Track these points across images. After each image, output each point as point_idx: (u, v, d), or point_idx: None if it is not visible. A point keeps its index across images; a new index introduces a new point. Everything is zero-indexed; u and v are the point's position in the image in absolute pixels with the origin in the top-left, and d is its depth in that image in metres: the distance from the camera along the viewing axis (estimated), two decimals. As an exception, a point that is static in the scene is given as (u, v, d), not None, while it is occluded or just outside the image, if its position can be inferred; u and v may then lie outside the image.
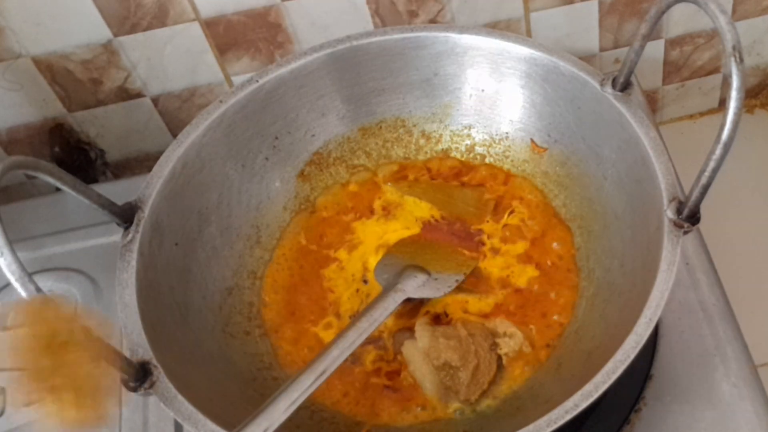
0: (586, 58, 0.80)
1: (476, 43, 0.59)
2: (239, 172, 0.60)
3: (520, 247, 0.59)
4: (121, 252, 0.51)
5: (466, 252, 0.59)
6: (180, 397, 0.45)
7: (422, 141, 0.64)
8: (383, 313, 0.52)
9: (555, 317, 0.55)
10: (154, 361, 0.46)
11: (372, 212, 0.62)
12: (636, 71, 0.54)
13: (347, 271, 0.60)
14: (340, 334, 0.49)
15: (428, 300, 0.56)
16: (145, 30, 0.71)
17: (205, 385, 0.50)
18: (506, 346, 0.54)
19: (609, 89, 0.54)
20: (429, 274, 0.57)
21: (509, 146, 0.63)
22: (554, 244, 0.59)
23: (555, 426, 0.42)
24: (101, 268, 0.68)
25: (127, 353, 0.46)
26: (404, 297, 0.54)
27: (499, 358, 0.54)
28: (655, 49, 0.83)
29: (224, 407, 0.48)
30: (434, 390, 0.53)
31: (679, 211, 0.47)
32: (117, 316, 0.49)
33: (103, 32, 0.71)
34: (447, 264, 0.58)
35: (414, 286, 0.55)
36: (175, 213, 0.55)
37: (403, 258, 0.58)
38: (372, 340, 0.55)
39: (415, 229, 0.61)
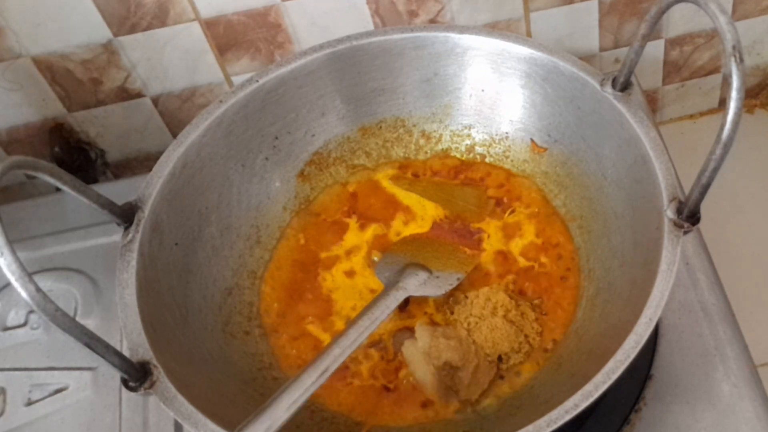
0: (586, 58, 0.80)
1: (476, 43, 0.59)
2: (239, 172, 0.60)
3: (520, 245, 0.59)
4: (121, 252, 0.51)
5: (467, 250, 0.59)
6: (180, 397, 0.45)
7: (422, 141, 0.64)
8: (384, 312, 0.52)
9: (555, 317, 0.55)
10: (154, 361, 0.46)
11: (372, 215, 0.62)
12: (636, 71, 0.54)
13: (348, 271, 0.60)
14: (342, 333, 0.49)
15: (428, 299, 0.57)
16: (145, 30, 0.71)
17: (205, 385, 0.50)
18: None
19: (609, 89, 0.54)
20: (430, 272, 0.57)
21: (509, 146, 0.63)
22: (554, 244, 0.59)
23: (555, 426, 0.42)
24: (101, 268, 0.68)
25: (127, 353, 0.46)
26: (405, 295, 0.54)
27: (500, 357, 0.54)
28: (655, 49, 0.83)
29: (224, 407, 0.48)
30: (434, 390, 0.53)
31: (679, 211, 0.47)
32: (117, 316, 0.49)
33: (103, 32, 0.71)
34: (448, 262, 0.58)
35: (415, 285, 0.55)
36: (175, 213, 0.55)
37: (404, 256, 0.58)
38: (372, 342, 0.55)
39: (419, 229, 0.61)
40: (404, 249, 0.59)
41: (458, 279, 0.57)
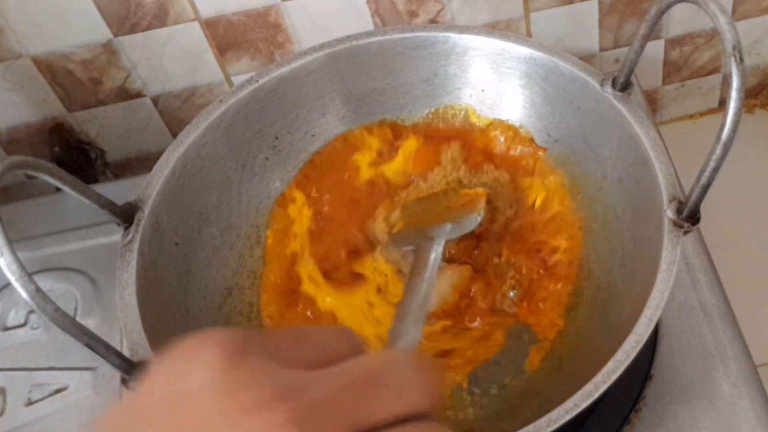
0: (586, 58, 0.80)
1: (476, 43, 0.59)
2: (239, 172, 0.60)
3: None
4: (121, 252, 0.51)
5: (468, 192, 0.59)
6: (180, 397, 0.45)
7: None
8: (434, 265, 0.52)
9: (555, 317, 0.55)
10: (154, 362, 0.46)
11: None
12: (636, 71, 0.54)
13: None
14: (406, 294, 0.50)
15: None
16: (145, 30, 0.71)
17: (205, 385, 0.50)
18: None
19: (609, 89, 0.54)
20: (450, 221, 0.57)
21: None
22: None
23: (555, 426, 0.42)
24: (101, 268, 0.68)
25: (127, 353, 0.46)
26: (442, 242, 0.54)
27: None
28: (655, 49, 0.83)
29: (224, 407, 0.48)
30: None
31: (679, 211, 0.47)
32: (117, 316, 0.49)
33: (103, 32, 0.71)
34: (460, 209, 0.58)
35: (446, 232, 0.55)
36: (175, 213, 0.55)
37: (416, 224, 0.58)
38: None
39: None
40: (413, 217, 0.59)
41: (479, 216, 0.57)
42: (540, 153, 0.61)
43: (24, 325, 0.66)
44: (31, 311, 0.66)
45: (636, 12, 0.78)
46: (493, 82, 0.61)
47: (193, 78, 0.76)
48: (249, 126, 0.60)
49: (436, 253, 0.53)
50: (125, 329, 0.48)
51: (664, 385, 0.57)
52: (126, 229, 0.52)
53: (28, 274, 0.39)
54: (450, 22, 0.75)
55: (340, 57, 0.60)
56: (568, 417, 0.42)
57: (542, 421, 0.42)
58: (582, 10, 0.77)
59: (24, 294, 0.39)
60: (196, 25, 0.72)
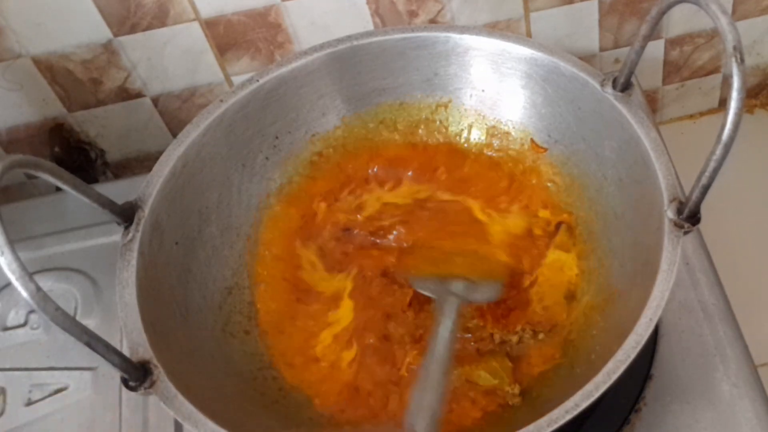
0: (586, 58, 0.80)
1: (476, 43, 0.59)
2: (239, 172, 0.60)
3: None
4: (121, 251, 0.51)
5: (499, 258, 0.58)
6: (180, 397, 0.45)
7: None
8: (453, 328, 0.51)
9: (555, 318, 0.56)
10: (154, 361, 0.46)
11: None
12: (636, 71, 0.54)
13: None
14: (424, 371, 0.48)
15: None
16: (145, 30, 0.71)
17: (205, 385, 0.50)
18: None
19: (609, 89, 0.54)
20: (470, 281, 0.55)
21: (509, 147, 0.63)
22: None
23: (555, 426, 0.42)
24: (101, 268, 0.68)
25: (127, 353, 0.46)
26: (459, 302, 0.53)
27: None
28: (655, 49, 0.83)
29: (224, 407, 0.48)
30: None
31: (679, 212, 0.47)
32: (117, 316, 0.49)
33: (103, 32, 0.71)
34: (481, 269, 0.57)
35: (466, 291, 0.54)
36: (175, 212, 0.55)
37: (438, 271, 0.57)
38: None
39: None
40: (433, 263, 0.58)
41: (501, 287, 0.56)
42: (540, 153, 0.61)
43: (24, 325, 0.66)
44: (31, 311, 0.66)
45: (636, 12, 0.78)
46: (494, 83, 0.61)
47: (193, 78, 0.76)
48: (249, 126, 0.60)
49: (455, 312, 0.51)
50: (125, 329, 0.48)
51: (664, 385, 0.57)
52: (126, 228, 0.52)
53: (29, 274, 0.39)
54: (450, 22, 0.75)
55: (340, 57, 0.60)
56: (568, 417, 0.42)
57: (542, 421, 0.42)
58: (582, 10, 0.77)
59: (24, 294, 0.39)
60: (196, 25, 0.72)
